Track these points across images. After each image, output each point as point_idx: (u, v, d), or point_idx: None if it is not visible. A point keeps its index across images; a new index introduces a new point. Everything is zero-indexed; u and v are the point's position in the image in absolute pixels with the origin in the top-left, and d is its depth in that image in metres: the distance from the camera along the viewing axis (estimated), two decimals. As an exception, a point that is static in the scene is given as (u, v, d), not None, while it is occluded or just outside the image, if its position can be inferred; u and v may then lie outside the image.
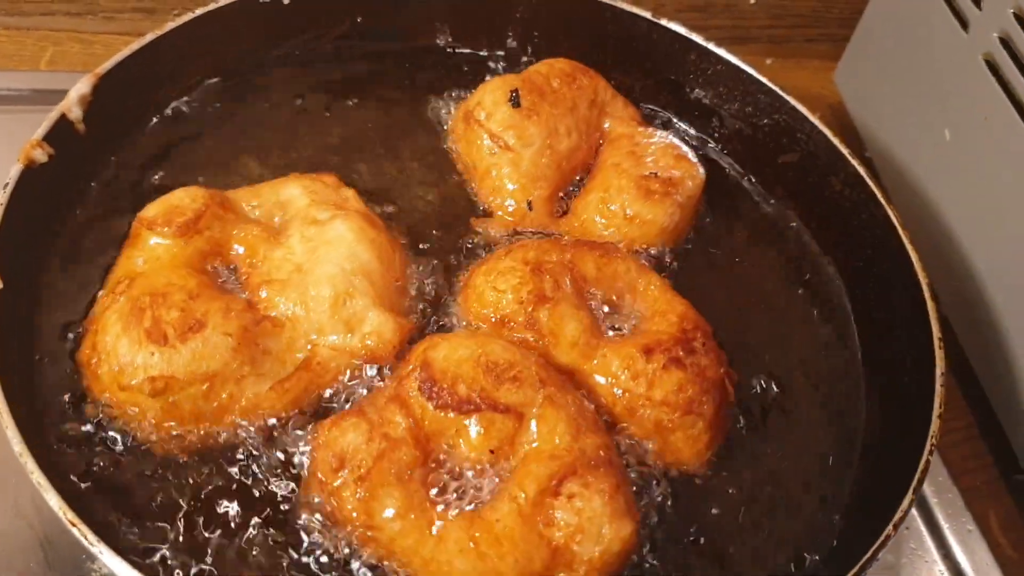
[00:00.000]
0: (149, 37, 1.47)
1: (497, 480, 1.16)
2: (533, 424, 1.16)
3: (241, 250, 1.32)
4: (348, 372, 1.26)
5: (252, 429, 1.21)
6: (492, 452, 1.15)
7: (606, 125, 1.64)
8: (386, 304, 1.30)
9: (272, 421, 1.22)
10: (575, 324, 1.29)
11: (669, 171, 1.51)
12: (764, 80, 1.65)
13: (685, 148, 1.58)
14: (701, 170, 1.55)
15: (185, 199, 1.31)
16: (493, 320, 1.30)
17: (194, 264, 1.27)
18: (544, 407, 1.16)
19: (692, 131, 1.76)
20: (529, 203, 1.51)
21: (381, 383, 1.26)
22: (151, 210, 1.30)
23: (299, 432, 1.22)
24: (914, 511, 1.46)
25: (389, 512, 1.10)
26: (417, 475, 1.13)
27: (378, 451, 1.12)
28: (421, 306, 1.38)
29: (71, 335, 1.26)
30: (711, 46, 1.68)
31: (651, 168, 1.51)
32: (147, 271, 1.25)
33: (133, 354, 1.15)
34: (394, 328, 1.27)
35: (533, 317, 1.28)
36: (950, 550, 1.45)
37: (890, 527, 1.15)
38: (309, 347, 1.25)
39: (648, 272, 1.41)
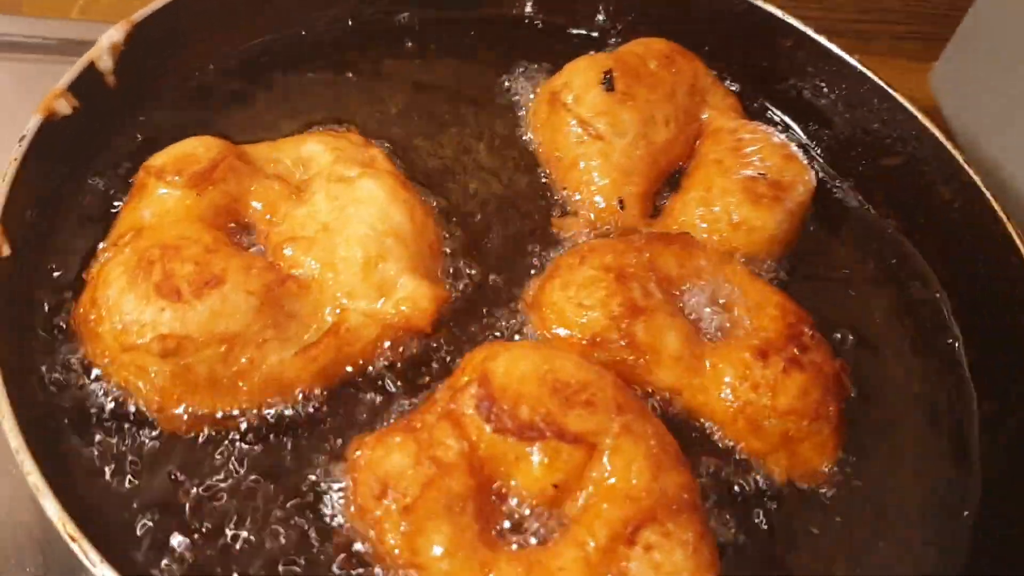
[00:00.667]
0: (189, -13, 1.35)
1: (562, 519, 1.01)
2: (606, 458, 1.00)
3: (259, 206, 1.21)
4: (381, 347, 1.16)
5: (276, 408, 1.10)
6: (556, 487, 1.00)
7: (704, 116, 1.47)
8: (420, 270, 1.19)
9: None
10: (674, 334, 1.15)
11: (778, 173, 1.35)
12: (868, 72, 1.49)
13: (795, 148, 1.42)
14: (812, 174, 1.39)
15: (199, 148, 1.20)
16: (582, 342, 1.15)
17: (207, 219, 1.16)
18: (620, 438, 1.01)
19: (785, 122, 1.59)
20: (620, 201, 1.34)
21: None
22: (160, 158, 1.19)
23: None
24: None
25: (437, 550, 0.95)
26: (469, 508, 0.98)
27: (426, 478, 0.97)
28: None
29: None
30: (810, 32, 1.53)
31: (758, 168, 1.35)
32: (155, 224, 1.13)
33: (140, 310, 1.04)
34: (430, 296, 1.16)
35: (629, 333, 1.13)
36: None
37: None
38: (338, 311, 1.13)
39: (731, 261, 1.27)
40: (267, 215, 1.20)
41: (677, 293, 1.22)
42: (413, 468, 0.98)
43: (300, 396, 1.11)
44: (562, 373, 1.04)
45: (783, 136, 1.45)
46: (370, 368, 1.16)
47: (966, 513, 1.21)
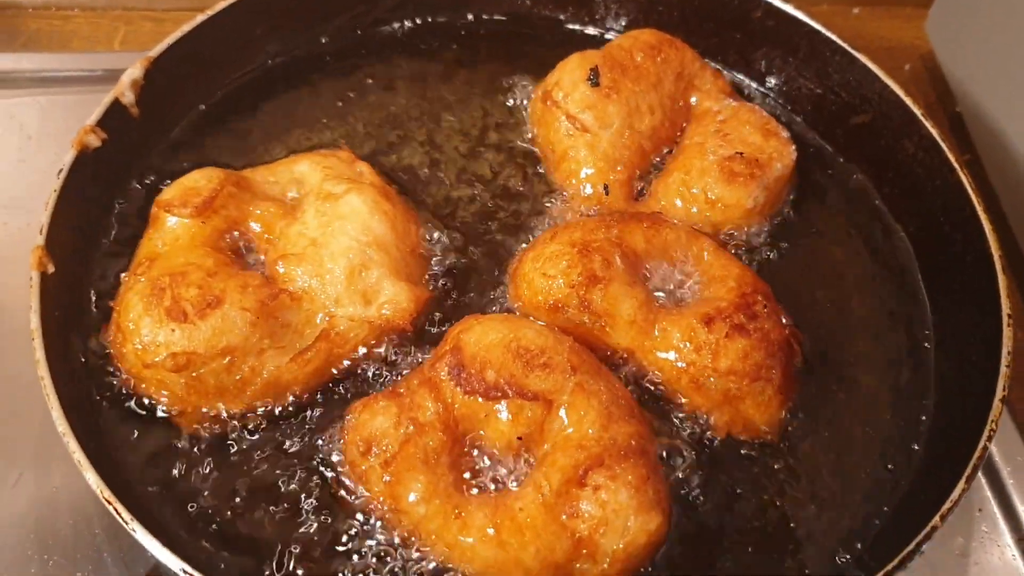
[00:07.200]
0: (200, 18, 1.49)
1: (526, 467, 1.16)
2: (562, 412, 1.14)
3: (258, 227, 1.33)
4: (370, 345, 1.28)
5: (279, 406, 1.25)
6: (520, 439, 1.14)
7: (693, 100, 1.56)
8: (402, 274, 1.31)
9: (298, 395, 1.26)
10: (630, 302, 1.26)
11: (757, 150, 1.43)
12: (834, 37, 1.57)
13: (776, 124, 1.49)
14: (793, 149, 1.47)
15: (200, 180, 1.33)
16: (546, 307, 1.28)
17: (212, 243, 1.29)
18: (574, 394, 1.14)
19: (760, 90, 1.69)
20: (605, 187, 1.45)
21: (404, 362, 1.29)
22: (168, 193, 1.32)
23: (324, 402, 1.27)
24: (988, 493, 1.41)
25: (413, 496, 1.11)
26: (444, 460, 1.13)
27: (405, 436, 1.13)
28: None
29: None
30: (777, 2, 1.60)
31: (737, 147, 1.43)
32: (167, 252, 1.27)
33: (155, 332, 1.18)
34: (410, 296, 1.28)
35: (586, 299, 1.25)
36: (1025, 534, 1.39)
37: (936, 518, 1.12)
38: (327, 319, 1.26)
39: (700, 237, 1.36)
40: (265, 235, 1.32)
41: (644, 266, 1.33)
42: (394, 428, 1.13)
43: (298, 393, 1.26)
44: (524, 340, 1.17)
45: (765, 113, 1.51)
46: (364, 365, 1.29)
47: (915, 447, 1.31)
